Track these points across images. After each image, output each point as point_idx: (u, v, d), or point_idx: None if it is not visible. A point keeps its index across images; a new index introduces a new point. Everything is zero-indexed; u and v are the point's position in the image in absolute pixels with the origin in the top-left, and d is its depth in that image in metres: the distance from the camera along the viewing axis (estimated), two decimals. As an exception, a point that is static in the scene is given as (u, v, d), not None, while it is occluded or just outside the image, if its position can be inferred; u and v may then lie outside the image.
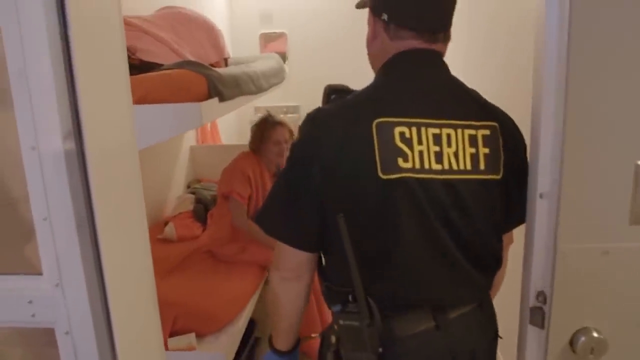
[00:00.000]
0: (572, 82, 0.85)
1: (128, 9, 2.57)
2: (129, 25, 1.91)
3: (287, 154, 2.70)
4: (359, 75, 5.16)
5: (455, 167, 0.99)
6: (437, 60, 1.06)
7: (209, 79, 1.66)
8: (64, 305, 0.80)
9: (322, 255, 1.12)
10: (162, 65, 1.83)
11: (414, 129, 0.97)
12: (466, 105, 1.04)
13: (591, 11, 0.83)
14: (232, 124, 4.57)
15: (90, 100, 0.79)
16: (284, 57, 4.72)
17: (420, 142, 0.97)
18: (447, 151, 0.98)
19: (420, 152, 0.97)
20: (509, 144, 1.04)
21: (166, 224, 2.82)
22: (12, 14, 0.71)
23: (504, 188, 1.04)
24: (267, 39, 4.79)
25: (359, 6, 1.22)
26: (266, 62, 2.76)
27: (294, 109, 4.99)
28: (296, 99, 4.95)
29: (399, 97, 1.00)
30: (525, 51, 1.96)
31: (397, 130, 0.96)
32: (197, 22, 2.21)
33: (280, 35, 4.78)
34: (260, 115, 4.78)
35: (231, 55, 4.33)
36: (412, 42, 1.03)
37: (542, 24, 0.88)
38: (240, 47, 4.70)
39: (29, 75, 0.73)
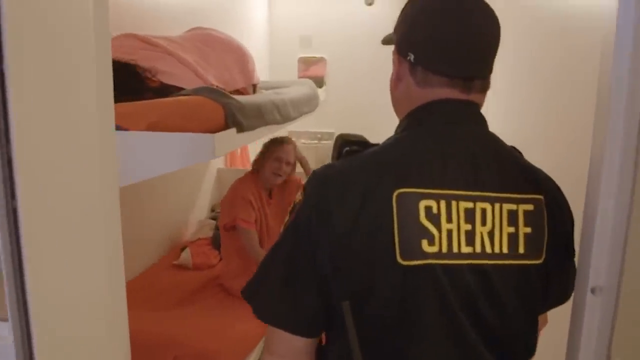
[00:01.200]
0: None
1: (154, 28, 2.52)
2: (153, 45, 1.82)
3: (285, 175, 2.65)
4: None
5: (488, 250, 0.81)
6: (473, 115, 0.88)
7: (227, 108, 1.54)
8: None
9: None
10: (182, 89, 1.74)
11: (443, 203, 0.80)
12: (507, 172, 0.86)
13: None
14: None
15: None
16: (321, 81, 4.62)
17: (449, 220, 0.80)
18: (481, 230, 0.81)
19: (449, 232, 0.79)
20: (554, 220, 0.86)
21: (183, 249, 2.72)
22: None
23: (544, 271, 0.86)
24: (306, 63, 4.71)
25: (385, 42, 1.07)
26: (298, 89, 2.64)
27: (329, 136, 4.86)
28: (332, 125, 4.83)
29: (426, 161, 0.82)
30: (576, 98, 1.79)
31: (423, 204, 0.79)
32: (226, 45, 2.11)
33: (320, 60, 4.69)
34: (294, 140, 4.73)
35: (268, 78, 4.28)
36: (443, 91, 0.86)
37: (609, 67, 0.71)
38: (278, 71, 4.64)
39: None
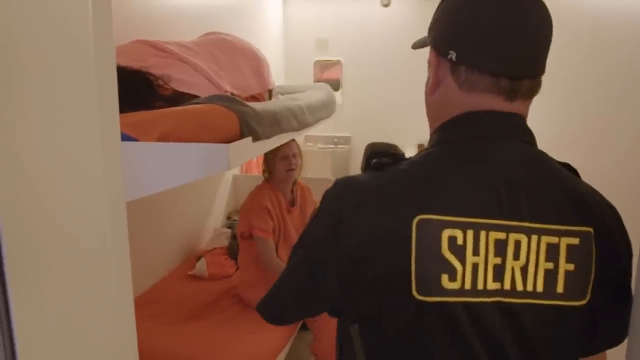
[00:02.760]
0: None
1: (166, 33, 2.47)
2: (165, 51, 1.77)
3: (298, 166, 2.58)
4: (415, 110, 4.93)
5: (519, 287, 0.71)
6: (515, 129, 0.78)
7: (242, 116, 1.47)
8: None
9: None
10: (196, 96, 1.68)
11: (470, 233, 0.70)
12: (550, 199, 0.74)
13: None
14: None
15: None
16: (337, 84, 4.55)
17: (476, 252, 0.70)
18: (512, 265, 0.71)
19: (475, 266, 0.70)
20: (605, 256, 0.75)
21: (198, 259, 2.66)
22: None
23: (588, 313, 0.75)
24: (322, 67, 4.64)
25: (416, 46, 0.97)
26: (315, 94, 2.56)
27: (345, 140, 4.79)
28: (348, 129, 4.76)
29: (457, 183, 0.73)
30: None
31: (446, 233, 0.70)
32: (240, 50, 2.05)
33: (336, 63, 4.62)
34: (310, 145, 4.66)
35: (283, 82, 4.22)
36: (486, 98, 0.76)
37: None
38: (294, 74, 4.58)
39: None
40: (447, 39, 0.78)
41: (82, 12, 0.66)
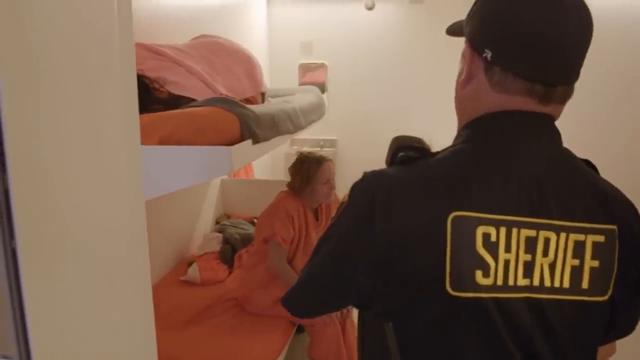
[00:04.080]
0: None
1: (154, 36, 2.44)
2: (160, 54, 1.74)
3: (335, 188, 2.58)
4: (401, 113, 4.99)
5: (547, 283, 0.73)
6: (546, 130, 0.78)
7: (242, 119, 1.46)
8: None
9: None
10: (192, 99, 1.66)
11: (503, 230, 0.71)
12: (578, 197, 0.76)
13: None
14: (266, 157, 4.40)
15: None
16: (322, 87, 4.55)
17: (508, 249, 0.71)
18: (541, 262, 0.72)
19: (506, 263, 0.71)
20: (627, 253, 0.76)
21: (190, 264, 2.63)
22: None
23: (609, 307, 0.77)
24: (307, 69, 4.64)
25: (450, 32, 0.95)
26: (306, 97, 2.56)
27: (331, 143, 4.79)
28: (334, 132, 4.76)
29: (489, 182, 0.73)
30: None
31: (481, 230, 0.70)
32: (234, 53, 2.04)
33: (320, 66, 4.62)
34: (296, 148, 4.65)
35: (269, 85, 4.21)
36: (519, 100, 0.75)
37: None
38: (278, 77, 4.56)
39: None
40: (484, 36, 0.77)
41: (109, 18, 0.65)
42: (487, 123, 0.78)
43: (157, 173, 1.28)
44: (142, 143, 1.28)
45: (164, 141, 1.30)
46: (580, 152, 0.81)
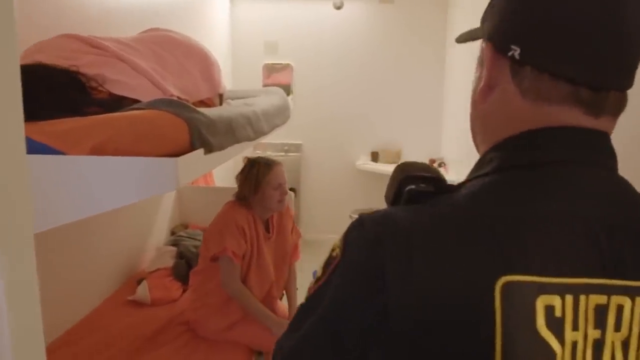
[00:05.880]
0: None
1: (101, 29, 2.21)
2: (100, 48, 1.52)
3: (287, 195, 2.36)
4: (369, 116, 4.84)
5: None
6: (603, 153, 0.59)
7: (192, 125, 1.26)
8: None
9: None
10: (137, 101, 1.45)
11: (569, 300, 0.51)
12: None
13: None
14: (228, 162, 4.18)
15: None
16: (288, 89, 4.37)
17: (575, 326, 0.51)
18: (613, 339, 0.52)
19: (574, 346, 0.50)
20: None
21: (139, 282, 2.39)
22: None
23: None
24: (271, 70, 4.44)
25: (462, 40, 0.75)
26: (269, 99, 2.36)
27: (296, 148, 4.61)
28: (300, 136, 4.58)
29: (548, 228, 0.53)
30: None
31: (542, 302, 0.50)
32: (188, 48, 1.82)
33: (285, 67, 4.43)
34: (259, 153, 4.44)
35: (229, 87, 3.99)
36: (563, 112, 0.57)
37: None
38: (241, 77, 4.36)
39: None
40: (510, 28, 0.58)
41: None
42: (524, 145, 0.58)
43: (88, 188, 1.09)
44: (70, 152, 1.08)
45: (97, 150, 1.10)
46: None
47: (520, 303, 0.49)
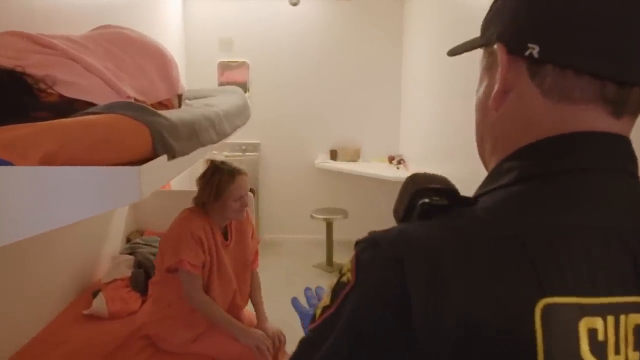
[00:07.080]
0: None
1: (49, 27, 2.07)
2: (48, 47, 1.42)
3: (249, 203, 2.26)
4: (327, 114, 4.80)
5: None
6: (625, 158, 0.55)
7: (154, 129, 1.17)
8: None
9: None
10: (90, 104, 1.35)
11: (610, 321, 0.47)
12: None
13: None
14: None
15: None
16: (244, 87, 4.27)
17: (617, 349, 0.47)
18: None
19: None
20: None
21: (95, 294, 2.27)
22: None
23: None
24: (226, 68, 4.33)
25: (452, 52, 0.70)
26: (229, 99, 2.27)
27: (254, 147, 4.52)
28: (257, 136, 4.50)
29: (585, 244, 0.48)
30: None
31: (585, 325, 0.46)
32: (143, 46, 1.72)
33: (241, 65, 4.34)
34: (216, 153, 4.32)
35: (185, 85, 3.87)
36: (588, 113, 0.53)
37: None
38: (195, 76, 4.24)
39: None
40: (524, 27, 0.54)
41: None
42: (550, 153, 0.54)
43: (38, 203, 1.00)
44: (18, 163, 1.00)
45: (48, 160, 1.01)
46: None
47: (562, 328, 0.45)
